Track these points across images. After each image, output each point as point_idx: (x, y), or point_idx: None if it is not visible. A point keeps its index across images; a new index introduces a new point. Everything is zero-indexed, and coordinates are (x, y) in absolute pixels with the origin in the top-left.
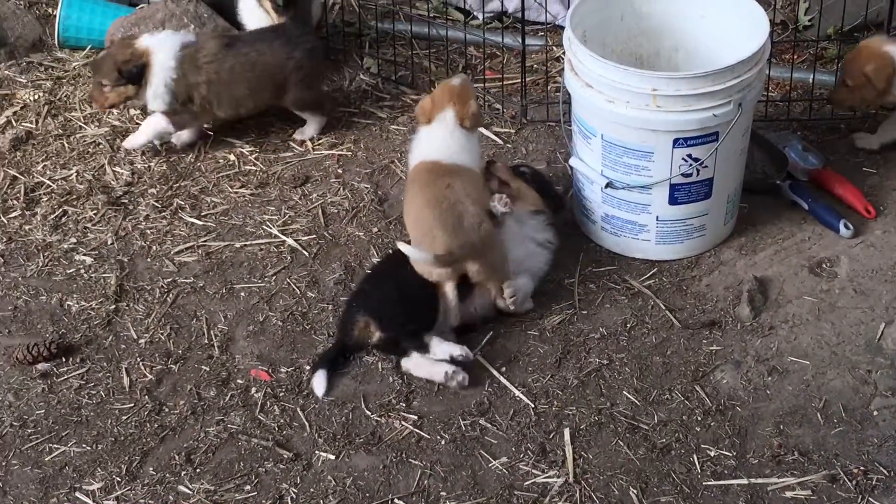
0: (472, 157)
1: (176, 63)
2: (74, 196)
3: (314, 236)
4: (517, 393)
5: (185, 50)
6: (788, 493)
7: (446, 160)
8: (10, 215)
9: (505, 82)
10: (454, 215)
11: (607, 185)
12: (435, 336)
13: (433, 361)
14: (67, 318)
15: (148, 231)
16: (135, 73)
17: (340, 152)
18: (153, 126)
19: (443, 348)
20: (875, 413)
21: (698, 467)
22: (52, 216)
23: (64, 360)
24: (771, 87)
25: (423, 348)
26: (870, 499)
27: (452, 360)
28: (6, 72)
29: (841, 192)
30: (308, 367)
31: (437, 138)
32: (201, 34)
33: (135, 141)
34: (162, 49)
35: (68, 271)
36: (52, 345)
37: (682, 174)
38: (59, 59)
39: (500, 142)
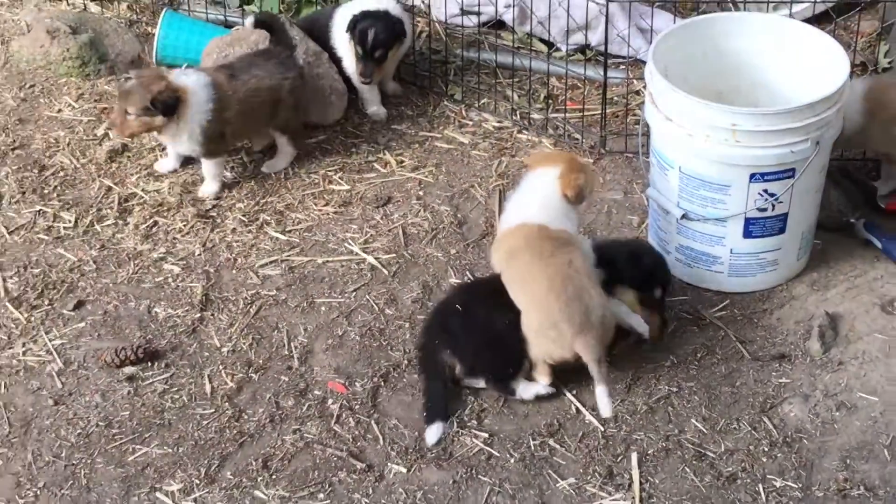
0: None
1: (213, 103)
2: (165, 207)
3: (394, 255)
4: (588, 416)
5: (215, 88)
6: None
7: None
8: (105, 223)
9: (585, 113)
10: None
11: (683, 217)
12: (522, 379)
13: None
14: (154, 325)
15: (234, 244)
16: (171, 106)
17: (422, 176)
18: (212, 170)
19: (529, 391)
20: None
21: (764, 497)
22: (144, 226)
23: (149, 364)
24: None
25: (511, 393)
26: None
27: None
28: (106, 86)
29: None
30: (423, 415)
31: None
32: (206, 70)
33: (209, 190)
34: (199, 89)
35: (157, 279)
36: (139, 349)
37: (758, 208)
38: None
39: None
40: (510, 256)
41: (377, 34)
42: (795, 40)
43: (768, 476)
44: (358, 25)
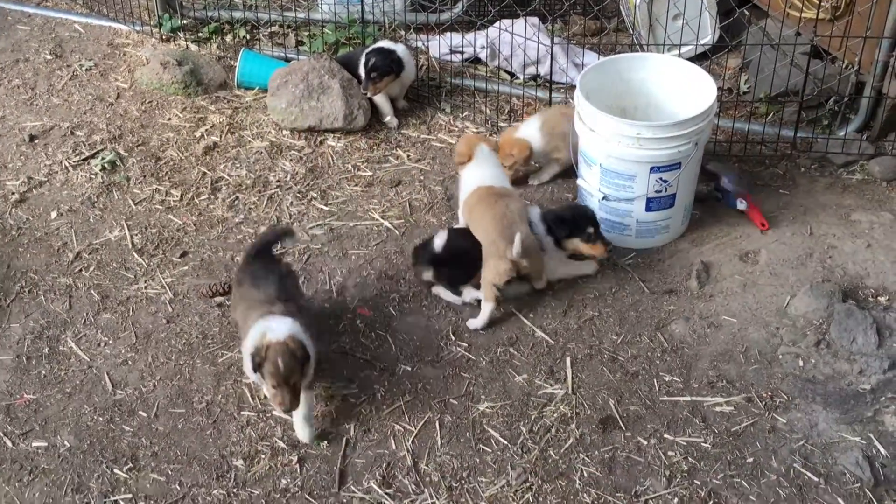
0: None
1: None
2: (244, 187)
3: (402, 221)
4: (537, 332)
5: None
6: (717, 408)
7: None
8: (201, 198)
9: None
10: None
11: (603, 198)
12: (469, 286)
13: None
14: (236, 268)
15: (292, 212)
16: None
17: (423, 165)
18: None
19: (469, 294)
20: (780, 356)
21: (657, 387)
22: (228, 200)
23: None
24: (719, 133)
25: (458, 294)
26: (774, 415)
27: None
28: (202, 102)
29: (748, 211)
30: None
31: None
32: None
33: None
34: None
35: (237, 237)
36: (226, 285)
37: (655, 191)
38: (237, 96)
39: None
40: (470, 210)
41: (375, 62)
42: (680, 72)
43: (660, 373)
44: (367, 54)
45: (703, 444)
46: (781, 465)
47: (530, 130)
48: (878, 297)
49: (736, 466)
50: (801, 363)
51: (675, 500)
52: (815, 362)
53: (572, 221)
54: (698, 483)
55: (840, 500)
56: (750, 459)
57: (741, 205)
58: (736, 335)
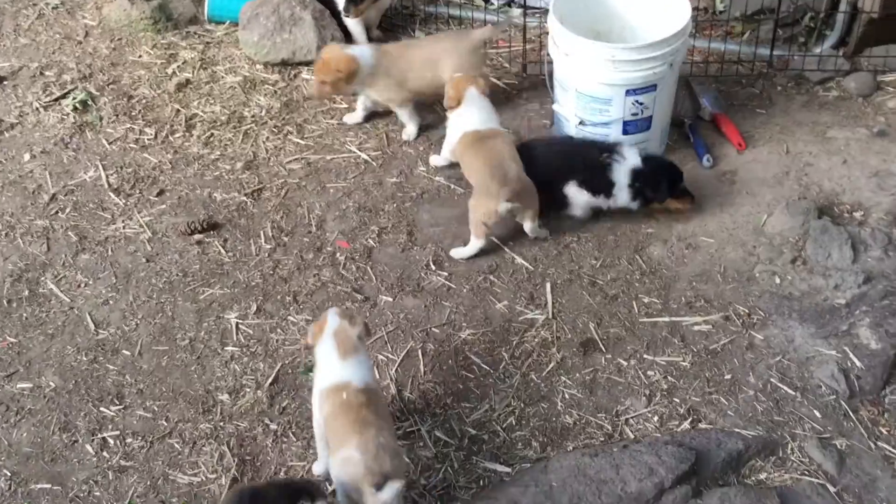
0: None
1: None
2: (219, 123)
3: (380, 152)
4: (517, 259)
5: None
6: (696, 328)
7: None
8: (175, 136)
9: (511, 48)
10: (503, 170)
11: (580, 123)
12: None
13: None
14: (214, 205)
15: (268, 147)
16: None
17: None
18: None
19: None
20: (757, 275)
21: (636, 309)
22: (204, 136)
23: (212, 232)
24: (695, 54)
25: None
26: (751, 332)
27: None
28: (172, 38)
29: (725, 131)
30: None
31: (473, 112)
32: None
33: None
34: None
35: (214, 174)
36: (204, 222)
37: (632, 114)
38: (208, 31)
39: (508, 89)
40: (461, 156)
41: None
42: None
43: (639, 295)
44: None
45: (682, 363)
46: (759, 381)
47: (364, 50)
48: (854, 213)
49: (714, 383)
50: (777, 280)
51: (655, 417)
52: (791, 279)
53: (671, 184)
54: (677, 401)
55: (816, 413)
56: (728, 376)
57: (707, 163)
58: (713, 255)
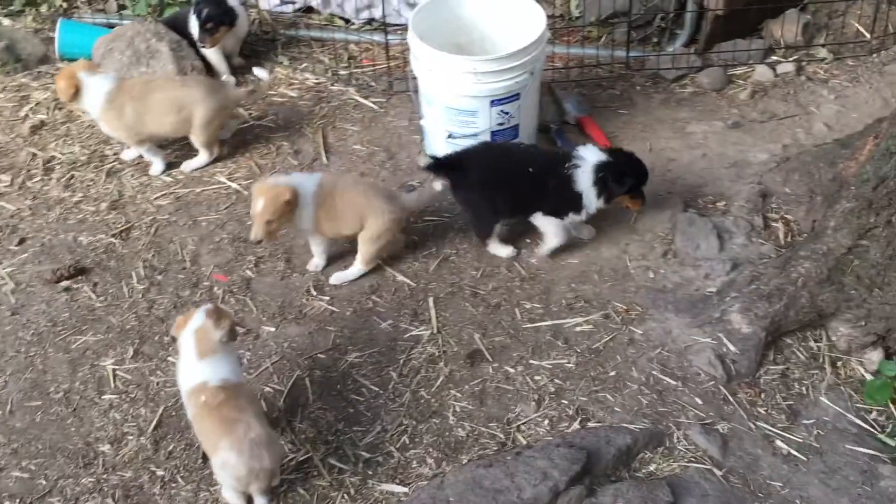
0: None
1: None
2: (79, 164)
3: (251, 181)
4: (397, 276)
5: None
6: (578, 328)
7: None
8: (34, 180)
9: (376, 67)
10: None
11: (449, 136)
12: None
13: None
14: (80, 249)
15: (134, 185)
16: None
17: (267, 122)
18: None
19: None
20: (632, 271)
21: (519, 316)
22: (64, 179)
23: (80, 277)
24: (556, 60)
25: None
26: (630, 328)
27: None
28: (23, 80)
29: (590, 133)
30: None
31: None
32: None
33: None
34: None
35: (78, 217)
36: (71, 268)
37: (498, 124)
38: (61, 69)
39: (376, 108)
40: (328, 213)
41: (209, 12)
42: (507, 4)
43: (521, 301)
44: (197, 6)
45: (568, 365)
46: (641, 375)
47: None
48: (717, 203)
49: (600, 381)
50: (651, 275)
51: (546, 421)
52: (664, 272)
53: (637, 180)
54: (566, 402)
55: (697, 400)
56: (612, 373)
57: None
58: (589, 256)
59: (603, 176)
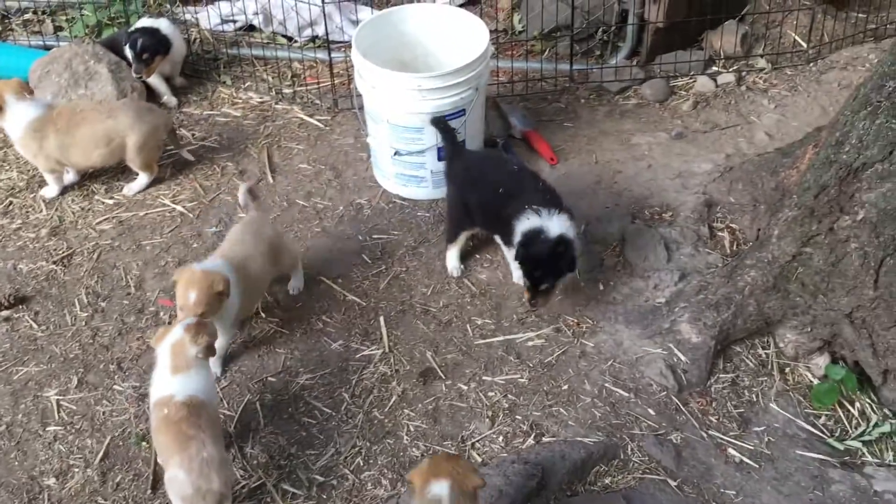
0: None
1: None
2: (17, 190)
3: (196, 203)
4: (347, 296)
5: None
6: (530, 343)
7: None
8: None
9: (320, 85)
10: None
11: (395, 154)
12: None
13: None
14: (20, 278)
15: (74, 210)
16: None
17: (209, 143)
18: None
19: None
20: (582, 284)
21: (471, 332)
22: (2, 205)
23: (20, 307)
24: (500, 74)
25: None
26: (582, 340)
27: None
28: None
29: (537, 147)
30: None
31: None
32: None
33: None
34: None
35: (17, 244)
36: (10, 297)
37: None
38: None
39: (321, 126)
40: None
41: (143, 42)
42: (452, 19)
43: (472, 318)
44: (131, 36)
45: (521, 380)
46: (594, 387)
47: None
48: (663, 214)
49: (553, 396)
50: (601, 287)
51: (500, 438)
52: (613, 284)
53: (544, 273)
54: (520, 418)
55: (650, 411)
56: (565, 387)
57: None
58: None
59: (521, 253)
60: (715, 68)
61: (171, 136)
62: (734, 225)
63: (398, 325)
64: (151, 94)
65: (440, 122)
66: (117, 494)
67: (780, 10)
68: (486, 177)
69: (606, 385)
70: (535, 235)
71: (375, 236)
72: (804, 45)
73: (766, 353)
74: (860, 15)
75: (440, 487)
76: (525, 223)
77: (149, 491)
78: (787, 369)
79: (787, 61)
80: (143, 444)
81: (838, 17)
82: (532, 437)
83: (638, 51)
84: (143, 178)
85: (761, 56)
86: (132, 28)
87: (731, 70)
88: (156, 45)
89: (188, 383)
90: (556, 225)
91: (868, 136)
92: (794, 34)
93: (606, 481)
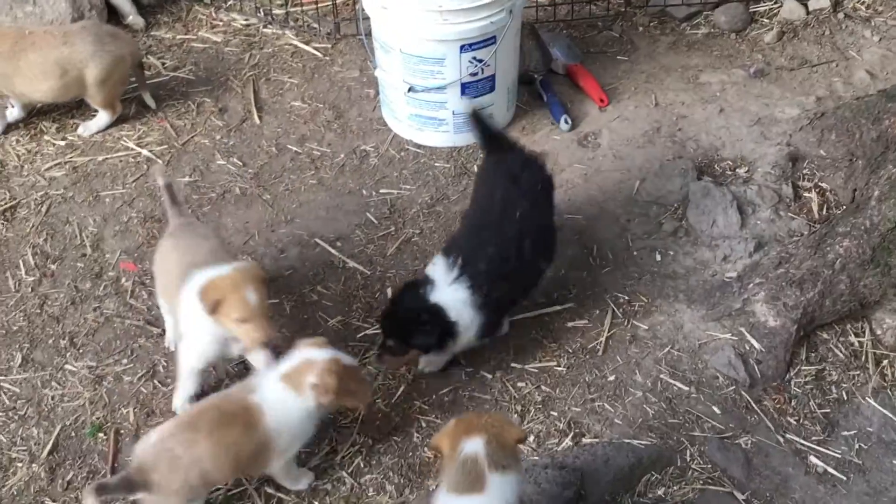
0: None
1: None
2: None
3: (166, 146)
4: (350, 263)
5: None
6: (569, 324)
7: None
8: None
9: (319, 5)
10: None
11: (409, 90)
12: None
13: None
14: None
15: (20, 153)
16: None
17: (184, 74)
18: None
19: None
20: (635, 253)
21: None
22: None
23: None
24: None
25: None
26: (633, 322)
27: None
28: None
29: (583, 85)
30: None
31: None
32: None
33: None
34: None
35: None
36: None
37: (470, 74)
38: None
39: (319, 55)
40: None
41: None
42: None
43: None
44: None
45: (557, 368)
46: (647, 379)
47: None
48: (737, 170)
49: (596, 388)
50: (658, 257)
51: (531, 437)
52: (673, 254)
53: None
54: (555, 414)
55: (715, 409)
56: (611, 378)
57: (565, 125)
58: (583, 235)
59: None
60: None
61: (138, 70)
62: (824, 184)
63: None
64: (113, 14)
65: (478, 119)
66: (68, 494)
67: None
68: (486, 185)
69: (662, 377)
70: (412, 288)
71: (383, 191)
72: None
73: (859, 342)
74: None
75: (474, 444)
76: (430, 267)
77: None
78: (885, 362)
79: None
80: (100, 435)
81: None
82: (570, 437)
83: None
84: (103, 117)
85: None
86: None
87: None
88: None
89: None
90: (446, 294)
91: None
92: None
93: (659, 492)
